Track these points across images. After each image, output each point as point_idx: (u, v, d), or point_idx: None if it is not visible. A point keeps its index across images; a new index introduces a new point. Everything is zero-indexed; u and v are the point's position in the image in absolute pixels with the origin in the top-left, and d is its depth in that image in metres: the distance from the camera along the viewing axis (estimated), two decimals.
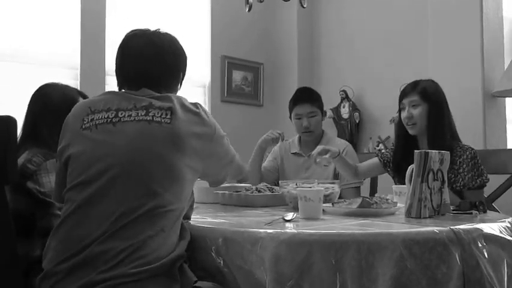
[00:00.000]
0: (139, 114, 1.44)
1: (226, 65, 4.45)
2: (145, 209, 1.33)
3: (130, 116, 1.44)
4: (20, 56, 3.35)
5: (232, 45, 4.50)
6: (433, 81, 2.39)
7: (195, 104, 1.55)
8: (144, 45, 1.58)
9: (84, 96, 2.00)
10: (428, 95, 2.30)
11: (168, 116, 1.45)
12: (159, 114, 1.44)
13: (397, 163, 2.42)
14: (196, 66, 4.24)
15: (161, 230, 1.34)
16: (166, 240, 1.35)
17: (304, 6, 2.53)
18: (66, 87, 2.00)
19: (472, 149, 2.25)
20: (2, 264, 1.23)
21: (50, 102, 1.90)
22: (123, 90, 1.57)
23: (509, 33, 3.87)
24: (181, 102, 1.50)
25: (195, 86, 4.30)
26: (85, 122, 1.45)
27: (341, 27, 4.59)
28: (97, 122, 1.45)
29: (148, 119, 1.43)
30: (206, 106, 4.36)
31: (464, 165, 2.19)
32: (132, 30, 1.63)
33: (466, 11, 3.55)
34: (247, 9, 2.56)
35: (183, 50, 1.68)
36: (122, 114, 1.45)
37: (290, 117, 2.93)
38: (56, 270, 1.29)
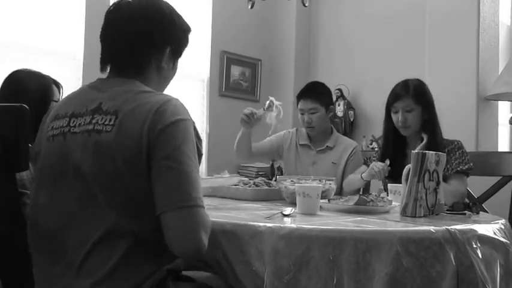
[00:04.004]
0: (85, 123, 1.26)
1: (225, 60, 4.47)
2: (98, 236, 1.21)
3: (80, 125, 1.27)
4: (23, 46, 3.31)
5: (231, 40, 4.51)
6: (419, 80, 2.41)
7: (175, 110, 1.27)
8: (126, 18, 1.36)
9: (58, 85, 1.95)
10: (421, 97, 2.32)
11: (111, 122, 1.23)
12: (102, 121, 1.24)
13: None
14: (196, 60, 4.26)
15: (120, 258, 1.21)
16: (133, 271, 1.23)
17: (306, 5, 2.54)
18: (42, 75, 1.92)
19: (458, 140, 2.31)
20: (14, 252, 1.25)
21: (24, 89, 1.81)
22: (98, 79, 1.39)
23: (504, 38, 3.93)
24: (147, 100, 1.26)
25: (195, 80, 4.32)
26: (49, 130, 1.33)
27: (339, 27, 4.61)
28: (55, 132, 1.30)
29: (89, 128, 1.25)
30: (204, 100, 4.38)
31: (451, 154, 2.24)
32: (116, 2, 1.40)
33: (464, 15, 3.59)
34: (249, 6, 2.56)
35: (170, 18, 1.41)
36: (73, 122, 1.28)
37: None
38: None
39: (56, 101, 1.91)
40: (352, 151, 2.79)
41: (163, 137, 1.22)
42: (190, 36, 1.51)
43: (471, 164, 2.25)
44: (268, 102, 2.46)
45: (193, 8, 4.26)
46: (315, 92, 2.79)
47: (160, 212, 1.20)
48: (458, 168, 2.22)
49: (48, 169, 1.29)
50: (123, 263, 1.21)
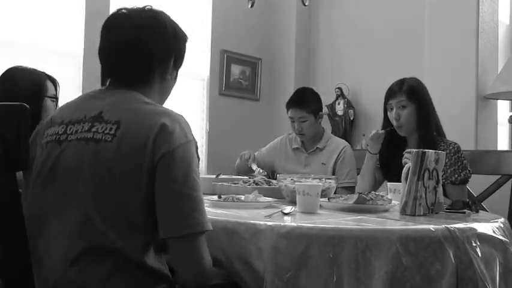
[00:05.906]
0: (83, 130, 1.24)
1: (225, 59, 4.47)
2: (83, 248, 1.18)
3: (77, 131, 1.24)
4: (23, 45, 3.28)
5: (231, 39, 4.51)
6: (416, 78, 2.42)
7: (177, 123, 1.25)
8: (128, 28, 1.33)
9: (53, 80, 1.94)
10: (415, 94, 2.33)
11: (112, 132, 1.20)
12: (103, 130, 1.21)
13: (385, 162, 2.45)
14: (196, 59, 4.26)
15: (108, 273, 1.19)
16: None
17: (306, 4, 2.55)
18: (35, 71, 1.91)
19: (456, 143, 2.28)
20: (14, 252, 1.25)
21: (16, 86, 1.81)
22: (97, 89, 1.37)
23: (504, 37, 3.93)
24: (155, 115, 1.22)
25: (195, 79, 4.31)
26: (44, 136, 1.31)
27: (339, 26, 4.61)
28: (49, 139, 1.29)
29: (88, 136, 1.22)
30: (205, 99, 4.38)
31: (447, 160, 2.19)
32: (119, 9, 1.39)
33: (463, 14, 3.59)
34: (249, 5, 2.57)
35: (172, 29, 1.39)
36: (70, 129, 1.26)
37: None
38: None
39: (51, 97, 1.91)
40: (341, 151, 2.85)
41: (170, 160, 1.19)
42: (187, 45, 1.48)
43: (468, 171, 2.24)
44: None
45: (193, 7, 4.26)
46: (303, 101, 2.85)
47: (167, 237, 1.21)
48: (453, 179, 2.22)
49: (39, 173, 1.27)
50: (112, 278, 1.19)
